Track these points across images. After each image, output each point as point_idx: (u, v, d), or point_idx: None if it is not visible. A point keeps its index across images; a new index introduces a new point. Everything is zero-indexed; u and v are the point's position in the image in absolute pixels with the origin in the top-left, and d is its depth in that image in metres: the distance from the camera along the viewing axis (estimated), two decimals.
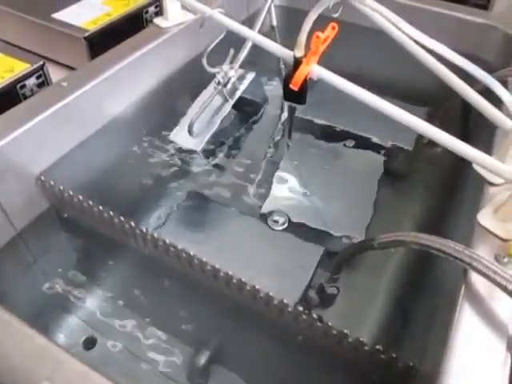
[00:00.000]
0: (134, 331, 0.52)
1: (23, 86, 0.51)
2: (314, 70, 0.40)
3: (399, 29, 0.44)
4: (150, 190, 0.60)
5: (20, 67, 0.51)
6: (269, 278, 0.49)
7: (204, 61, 0.51)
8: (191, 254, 0.40)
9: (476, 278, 0.33)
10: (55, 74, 0.54)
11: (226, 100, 0.58)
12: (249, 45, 0.56)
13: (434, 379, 0.29)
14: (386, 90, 0.53)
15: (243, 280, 0.38)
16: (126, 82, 0.55)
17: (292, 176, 0.60)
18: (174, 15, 0.61)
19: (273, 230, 0.54)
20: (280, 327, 0.40)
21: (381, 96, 0.39)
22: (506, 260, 0.34)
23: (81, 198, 0.45)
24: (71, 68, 0.59)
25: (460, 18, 0.66)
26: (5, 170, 0.43)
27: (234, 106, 0.59)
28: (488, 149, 0.44)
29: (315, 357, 0.41)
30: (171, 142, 0.57)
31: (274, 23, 0.71)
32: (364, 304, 0.49)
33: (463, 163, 0.39)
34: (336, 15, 0.45)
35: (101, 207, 0.44)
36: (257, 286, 0.38)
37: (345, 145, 0.65)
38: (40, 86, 0.52)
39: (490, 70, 0.47)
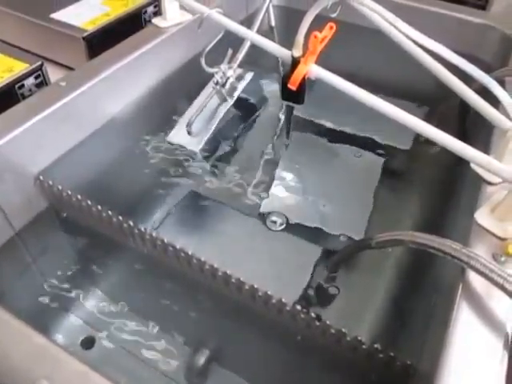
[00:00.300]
0: (133, 331, 0.52)
1: (22, 86, 0.51)
2: (312, 69, 0.40)
3: (397, 28, 0.44)
4: (148, 190, 0.60)
5: (19, 67, 0.51)
6: (267, 277, 0.49)
7: (202, 61, 0.51)
8: (190, 253, 0.40)
9: (473, 277, 0.33)
10: (54, 73, 0.54)
11: (224, 100, 0.58)
12: (247, 45, 0.57)
13: (432, 378, 0.29)
14: (384, 89, 0.53)
15: (242, 279, 0.38)
16: (125, 82, 0.55)
17: (290, 175, 0.60)
18: (172, 15, 0.61)
19: (271, 231, 0.54)
20: (279, 326, 0.40)
21: (379, 95, 0.39)
22: (503, 259, 0.34)
23: (79, 197, 0.45)
24: (70, 68, 0.59)
25: (458, 18, 0.67)
26: (3, 170, 0.43)
27: (233, 106, 0.60)
28: (486, 148, 0.44)
29: (314, 356, 0.41)
30: (170, 141, 0.58)
31: (273, 23, 0.71)
32: (362, 303, 0.49)
33: (461, 162, 0.39)
34: (334, 15, 0.45)
35: (99, 207, 0.44)
36: (255, 285, 0.38)
37: (343, 144, 0.65)
38: (38, 85, 0.52)
39: (488, 70, 0.47)
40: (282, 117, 0.70)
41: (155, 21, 0.61)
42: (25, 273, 0.51)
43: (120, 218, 0.43)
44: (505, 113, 0.41)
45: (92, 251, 0.54)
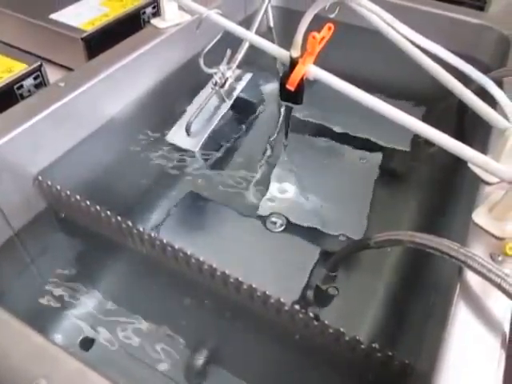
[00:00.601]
0: (132, 331, 0.52)
1: (21, 87, 0.51)
2: (311, 70, 0.40)
3: (395, 29, 0.44)
4: (147, 190, 0.60)
5: (17, 68, 0.51)
6: (266, 277, 0.49)
7: (201, 61, 0.51)
8: (188, 253, 0.41)
9: (471, 276, 0.33)
10: (53, 74, 0.55)
11: (223, 100, 0.58)
12: (246, 45, 0.57)
13: (430, 377, 0.29)
14: (382, 89, 0.53)
15: (240, 279, 0.38)
16: (124, 83, 0.55)
17: (289, 176, 0.60)
18: (171, 16, 0.61)
19: (271, 232, 0.54)
20: (277, 326, 0.40)
21: (377, 96, 0.39)
22: (500, 258, 0.34)
23: (78, 197, 0.45)
24: (69, 69, 0.59)
25: (456, 19, 0.67)
26: (2, 170, 0.43)
27: (232, 107, 0.60)
28: (483, 148, 0.44)
29: (312, 356, 0.41)
30: (169, 142, 0.58)
31: (271, 24, 0.71)
32: (360, 303, 0.49)
33: (459, 163, 0.39)
34: (332, 16, 0.45)
35: (98, 207, 0.44)
36: (254, 285, 0.38)
37: (341, 145, 0.65)
38: (37, 86, 0.52)
39: (486, 71, 0.48)
40: (281, 117, 0.70)
41: (154, 21, 0.61)
42: (23, 273, 0.51)
43: (119, 218, 0.43)
44: (502, 113, 0.41)
45: (91, 251, 0.54)
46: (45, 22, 0.59)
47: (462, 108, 0.52)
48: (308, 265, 0.50)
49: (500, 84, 0.49)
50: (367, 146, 0.63)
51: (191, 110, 0.58)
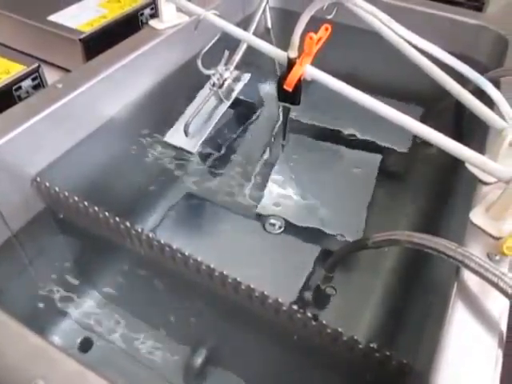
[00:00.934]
0: (130, 332, 0.52)
1: (19, 88, 0.51)
2: (308, 70, 0.40)
3: (391, 30, 0.45)
4: (145, 191, 0.60)
5: (15, 69, 0.51)
6: (265, 277, 0.49)
7: (199, 62, 0.51)
8: (186, 253, 0.41)
9: (468, 276, 0.33)
10: (51, 75, 0.55)
11: (221, 101, 0.58)
12: (244, 46, 0.57)
13: (428, 376, 0.29)
14: (380, 90, 0.53)
15: (238, 279, 0.38)
16: (122, 84, 0.55)
17: (287, 176, 0.60)
18: (169, 17, 0.61)
19: (271, 233, 0.54)
20: (276, 327, 0.40)
21: (375, 97, 0.39)
22: (497, 258, 0.34)
23: (76, 198, 0.45)
24: (67, 70, 0.59)
25: (453, 20, 0.67)
26: (0, 171, 0.43)
27: (230, 108, 0.60)
28: (481, 148, 0.44)
29: (311, 356, 0.41)
30: (167, 143, 0.58)
31: (269, 25, 0.71)
32: (359, 303, 0.49)
33: (457, 163, 0.39)
34: (330, 17, 0.45)
35: (96, 208, 0.44)
36: (252, 286, 0.38)
37: (340, 146, 0.65)
38: (35, 87, 0.52)
39: (484, 71, 0.48)
40: (279, 118, 0.70)
41: (152, 23, 0.61)
42: (22, 274, 0.51)
43: (117, 219, 0.43)
44: (499, 113, 0.41)
45: (89, 253, 0.54)
46: (43, 23, 0.59)
47: (460, 108, 0.52)
48: (306, 265, 0.50)
49: (497, 84, 0.49)
50: (366, 146, 0.64)
51: (189, 110, 0.58)
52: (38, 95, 0.50)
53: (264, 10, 0.64)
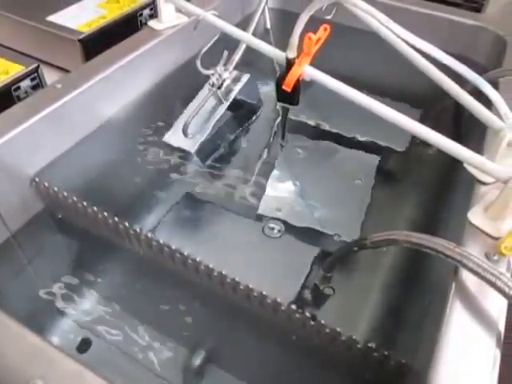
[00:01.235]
0: (129, 332, 0.52)
1: (18, 88, 0.51)
2: (307, 70, 0.40)
3: (391, 30, 0.45)
4: (144, 192, 0.60)
5: (15, 69, 0.51)
6: (264, 277, 0.49)
7: (198, 63, 0.51)
8: (185, 253, 0.41)
9: (467, 276, 0.33)
10: (50, 76, 0.55)
11: (220, 102, 0.59)
12: (243, 47, 0.57)
13: (426, 376, 0.29)
14: (379, 90, 0.53)
15: (237, 279, 0.39)
16: (121, 84, 0.55)
17: (286, 177, 0.60)
18: (168, 18, 0.61)
19: (270, 237, 0.54)
20: (274, 327, 0.40)
21: (373, 97, 0.39)
22: (496, 258, 0.34)
23: (75, 199, 0.45)
24: (66, 70, 0.59)
25: (452, 20, 0.67)
26: None
27: (229, 108, 0.60)
28: (479, 148, 0.44)
29: (309, 356, 0.41)
30: (166, 143, 0.58)
31: (268, 25, 0.72)
32: (357, 303, 0.49)
33: (455, 163, 0.39)
34: (329, 17, 0.46)
35: (95, 208, 0.44)
36: (250, 286, 0.38)
37: (338, 146, 0.65)
38: (34, 88, 0.53)
39: (483, 72, 0.48)
40: (278, 118, 0.70)
41: (151, 23, 0.61)
42: (20, 274, 0.51)
43: (116, 219, 0.44)
44: (497, 113, 0.41)
45: (88, 253, 0.54)
46: (42, 23, 0.59)
47: (459, 109, 0.52)
48: (305, 265, 0.50)
49: (496, 84, 0.50)
50: (364, 147, 0.64)
51: (188, 111, 0.58)
52: (37, 95, 0.50)
53: (263, 11, 0.64)
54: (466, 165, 0.41)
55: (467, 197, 0.40)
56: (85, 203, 0.45)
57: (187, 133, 0.55)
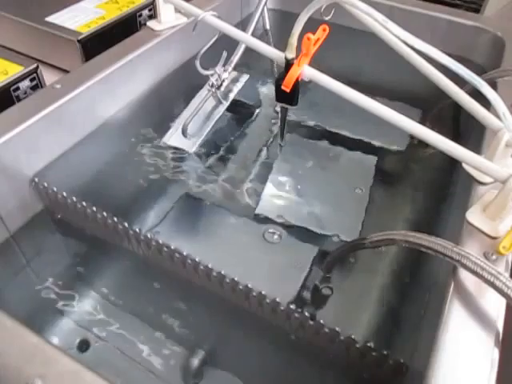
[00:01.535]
0: (128, 333, 0.52)
1: (17, 89, 0.51)
2: (306, 71, 0.40)
3: (389, 31, 0.45)
4: (143, 192, 0.60)
5: (14, 70, 0.51)
6: (263, 277, 0.49)
7: (197, 63, 0.51)
8: (184, 253, 0.41)
9: (465, 275, 0.33)
10: (49, 76, 0.55)
11: (219, 102, 0.59)
12: (242, 47, 0.57)
13: (425, 375, 0.29)
14: (378, 91, 0.54)
15: (236, 279, 0.39)
16: (120, 85, 0.55)
17: (285, 177, 0.61)
18: (167, 18, 0.61)
19: (270, 242, 0.54)
20: (273, 326, 0.40)
21: (372, 97, 0.39)
22: (494, 257, 0.34)
23: (74, 199, 0.45)
24: (65, 71, 0.59)
25: (451, 21, 0.67)
26: None
27: (228, 109, 0.60)
28: (478, 149, 0.44)
29: (308, 355, 0.41)
30: (165, 144, 0.58)
31: (268, 26, 0.72)
32: (356, 302, 0.49)
33: (454, 163, 0.39)
34: (328, 18, 0.46)
35: (94, 208, 0.44)
36: (249, 285, 0.38)
37: (337, 146, 0.65)
38: (34, 88, 0.53)
39: (481, 72, 0.48)
40: (277, 119, 0.70)
41: (150, 24, 0.62)
42: (20, 275, 0.51)
43: (115, 219, 0.44)
44: (496, 114, 0.41)
45: (87, 253, 0.54)
46: (41, 24, 0.59)
47: (458, 109, 0.52)
48: (304, 265, 0.50)
49: (494, 85, 0.50)
50: (363, 147, 0.64)
51: (188, 111, 0.58)
52: (36, 96, 0.50)
53: (262, 11, 0.64)
54: (464, 165, 0.41)
55: (466, 197, 0.40)
56: (84, 203, 0.45)
57: (186, 133, 0.55)
